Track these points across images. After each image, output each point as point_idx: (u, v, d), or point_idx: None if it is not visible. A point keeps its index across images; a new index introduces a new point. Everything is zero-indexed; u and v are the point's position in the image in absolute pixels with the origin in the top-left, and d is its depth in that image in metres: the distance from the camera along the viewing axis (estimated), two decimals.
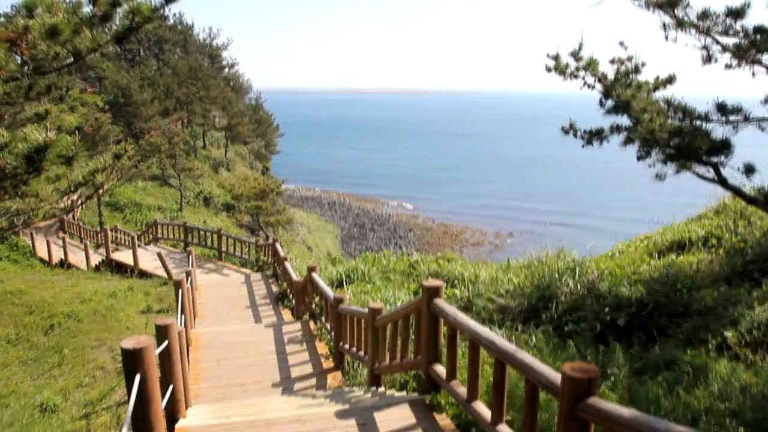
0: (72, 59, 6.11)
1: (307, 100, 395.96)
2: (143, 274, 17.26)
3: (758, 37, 6.97)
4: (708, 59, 7.72)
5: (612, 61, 8.85)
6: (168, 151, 33.51)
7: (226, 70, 69.87)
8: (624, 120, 8.43)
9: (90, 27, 5.79)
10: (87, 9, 5.82)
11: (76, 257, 20.36)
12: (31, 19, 5.42)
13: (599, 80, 8.78)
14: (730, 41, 7.45)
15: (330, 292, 8.41)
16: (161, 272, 16.06)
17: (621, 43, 8.99)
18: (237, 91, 66.72)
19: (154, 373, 3.54)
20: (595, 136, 8.80)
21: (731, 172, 7.33)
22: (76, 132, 7.25)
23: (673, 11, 7.36)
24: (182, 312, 8.30)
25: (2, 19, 31.35)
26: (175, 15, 62.00)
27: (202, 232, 20.63)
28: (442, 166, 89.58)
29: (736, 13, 6.98)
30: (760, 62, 7.32)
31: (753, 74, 7.54)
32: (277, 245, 14.96)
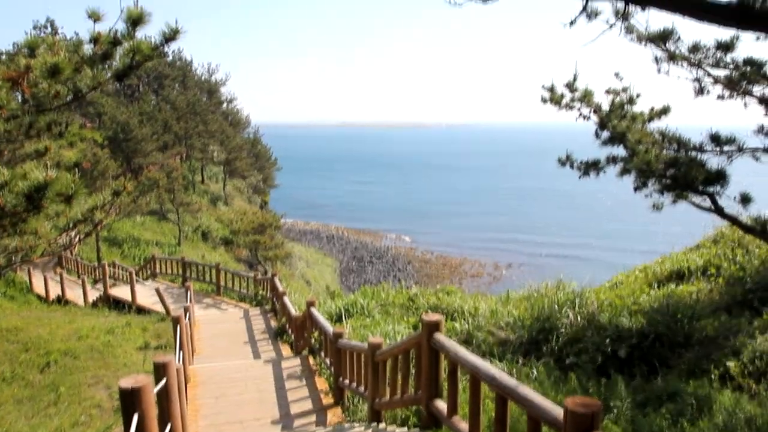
0: (72, 97, 6.17)
1: (306, 135, 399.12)
2: (141, 310, 17.14)
3: (748, 68, 7.09)
4: (700, 91, 7.84)
5: (607, 92, 8.97)
6: (166, 185, 33.61)
7: (225, 105, 70.47)
8: (620, 151, 8.51)
9: (91, 65, 5.87)
10: (88, 47, 5.91)
11: (74, 293, 20.24)
12: (33, 58, 5.49)
13: (594, 111, 8.89)
14: (721, 73, 7.57)
15: (329, 327, 8.36)
16: (159, 308, 15.96)
17: (616, 74, 9.13)
18: (235, 126, 67.17)
19: (152, 413, 3.50)
20: (591, 167, 8.87)
21: (728, 201, 7.38)
22: (75, 168, 7.29)
23: (665, 45, 7.50)
24: (180, 348, 8.23)
25: (4, 57, 31.76)
26: (174, 51, 62.82)
27: (200, 267, 20.55)
28: (441, 198, 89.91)
29: (726, 46, 7.12)
30: (751, 93, 7.42)
31: (745, 105, 7.65)
32: (276, 280, 14.90)
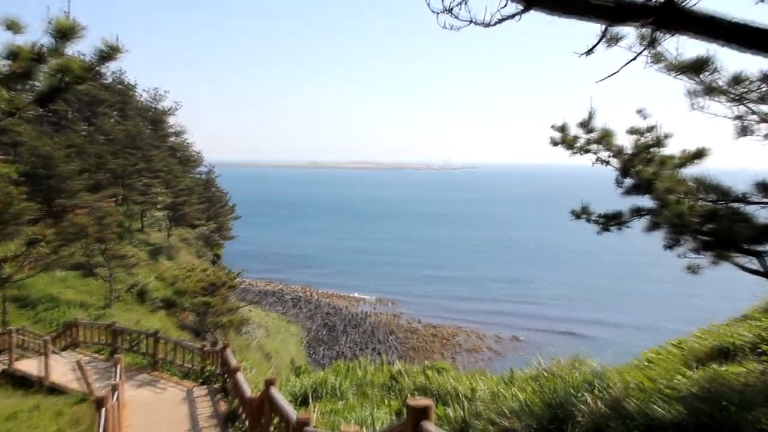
0: None
1: (270, 175, 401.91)
2: (55, 389, 16.70)
3: None
4: (743, 131, 7.93)
5: (630, 132, 9.05)
6: (97, 234, 33.27)
7: (173, 138, 70.73)
8: (646, 201, 8.55)
9: (6, 86, 5.80)
10: (3, 64, 5.83)
11: None
12: None
13: (615, 155, 8.96)
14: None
15: (292, 412, 8.20)
16: (79, 386, 15.59)
17: (639, 111, 9.20)
18: (184, 164, 67.41)
19: None
20: (612, 220, 8.90)
21: None
22: None
23: (699, 76, 7.61)
24: None
25: None
26: (113, 73, 63.24)
27: (134, 336, 20.19)
28: (428, 256, 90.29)
29: None
30: None
31: None
32: (228, 352, 14.68)
